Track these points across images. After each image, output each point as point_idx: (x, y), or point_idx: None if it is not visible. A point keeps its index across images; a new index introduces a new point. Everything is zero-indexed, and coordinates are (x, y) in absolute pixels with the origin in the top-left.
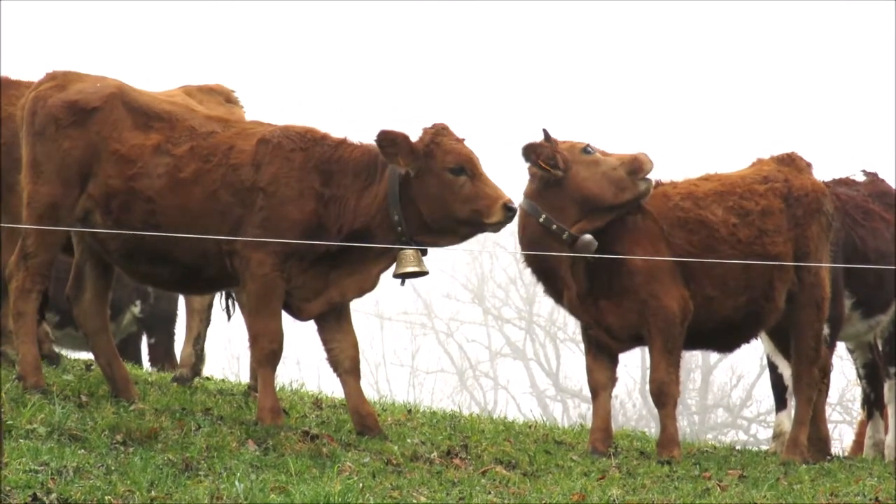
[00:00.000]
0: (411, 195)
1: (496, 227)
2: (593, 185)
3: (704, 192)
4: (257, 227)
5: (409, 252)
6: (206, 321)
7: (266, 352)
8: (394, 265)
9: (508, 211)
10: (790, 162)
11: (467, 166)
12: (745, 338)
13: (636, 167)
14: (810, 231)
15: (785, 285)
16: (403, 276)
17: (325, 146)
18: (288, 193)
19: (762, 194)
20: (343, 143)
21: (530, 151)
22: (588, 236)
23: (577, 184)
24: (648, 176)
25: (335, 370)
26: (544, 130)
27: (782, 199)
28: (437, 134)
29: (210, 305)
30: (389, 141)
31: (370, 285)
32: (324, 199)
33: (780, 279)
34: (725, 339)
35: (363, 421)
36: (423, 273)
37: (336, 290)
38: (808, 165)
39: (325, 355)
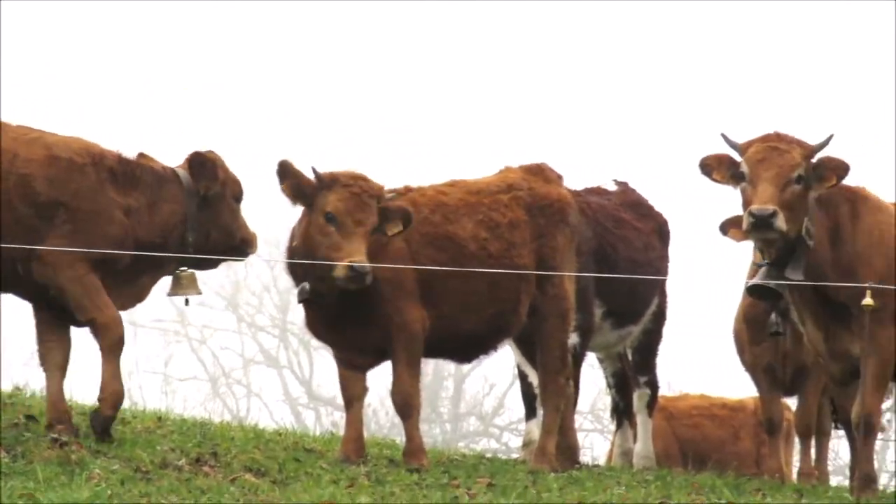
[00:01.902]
0: (202, 219)
1: (245, 255)
2: None
3: (455, 204)
4: (63, 237)
5: (186, 273)
6: None
7: (116, 338)
8: (169, 282)
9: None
10: (538, 172)
11: (241, 197)
12: (486, 350)
13: None
14: (555, 242)
15: (529, 297)
16: (178, 296)
17: (110, 159)
18: (93, 208)
19: (507, 204)
20: (121, 156)
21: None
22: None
23: None
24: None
25: (43, 364)
26: (313, 168)
27: (525, 209)
28: (221, 161)
29: None
30: (200, 163)
31: (144, 296)
32: (122, 209)
33: (526, 291)
34: (467, 350)
35: (59, 417)
36: (198, 293)
37: (114, 301)
38: (559, 177)
39: (36, 348)
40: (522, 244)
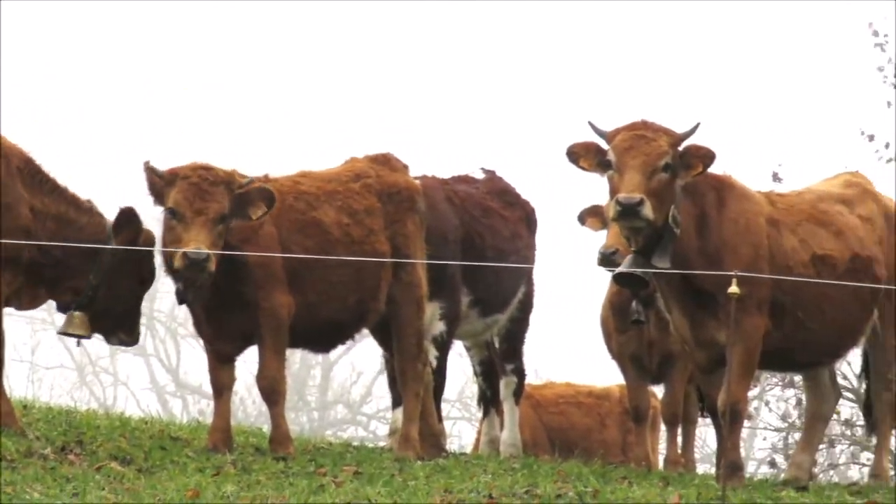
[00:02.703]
0: (109, 271)
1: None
2: None
3: (314, 192)
4: None
5: (79, 314)
6: None
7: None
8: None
9: None
10: (385, 161)
11: (149, 284)
12: (345, 338)
13: None
14: (406, 229)
15: (388, 284)
16: (68, 335)
17: (17, 157)
18: (5, 201)
19: (359, 192)
20: (30, 158)
21: None
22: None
23: None
24: None
25: None
26: (152, 168)
27: (377, 196)
28: (153, 239)
29: None
30: (128, 218)
31: (37, 305)
32: (29, 207)
33: (385, 279)
34: (328, 339)
35: None
36: (87, 337)
37: (10, 296)
38: (405, 167)
39: None
40: (380, 230)
